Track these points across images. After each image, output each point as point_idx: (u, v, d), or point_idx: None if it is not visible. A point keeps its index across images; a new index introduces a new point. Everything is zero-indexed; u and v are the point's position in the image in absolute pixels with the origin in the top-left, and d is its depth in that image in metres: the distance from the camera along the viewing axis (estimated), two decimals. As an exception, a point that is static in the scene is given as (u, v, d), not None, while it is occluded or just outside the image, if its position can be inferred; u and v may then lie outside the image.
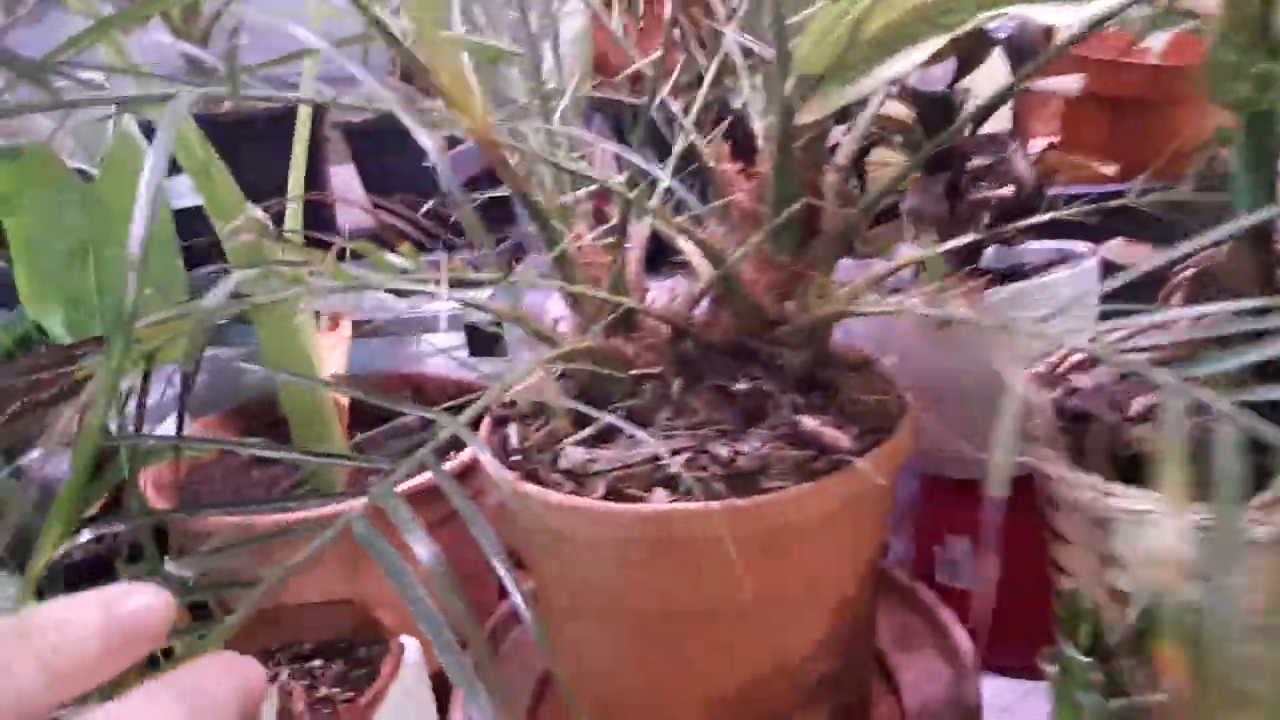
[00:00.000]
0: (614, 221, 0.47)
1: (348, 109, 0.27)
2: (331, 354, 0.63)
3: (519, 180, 0.46)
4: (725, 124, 0.53)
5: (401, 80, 0.88)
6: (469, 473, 0.63)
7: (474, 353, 0.72)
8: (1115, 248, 0.62)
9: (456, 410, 0.73)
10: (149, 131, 0.53)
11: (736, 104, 0.74)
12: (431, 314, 0.74)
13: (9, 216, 0.45)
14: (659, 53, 0.48)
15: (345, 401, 0.63)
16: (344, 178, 1.19)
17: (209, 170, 0.51)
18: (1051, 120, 0.77)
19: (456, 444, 0.70)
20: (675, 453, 0.45)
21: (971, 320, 0.44)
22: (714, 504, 0.43)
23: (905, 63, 0.43)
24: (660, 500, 0.44)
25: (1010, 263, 0.71)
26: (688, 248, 0.52)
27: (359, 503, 0.28)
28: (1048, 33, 0.60)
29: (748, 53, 0.59)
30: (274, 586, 0.30)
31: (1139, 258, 0.63)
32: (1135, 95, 0.72)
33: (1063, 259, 0.69)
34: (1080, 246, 0.69)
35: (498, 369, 0.67)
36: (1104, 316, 0.69)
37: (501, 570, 0.31)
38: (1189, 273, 0.63)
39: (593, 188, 0.47)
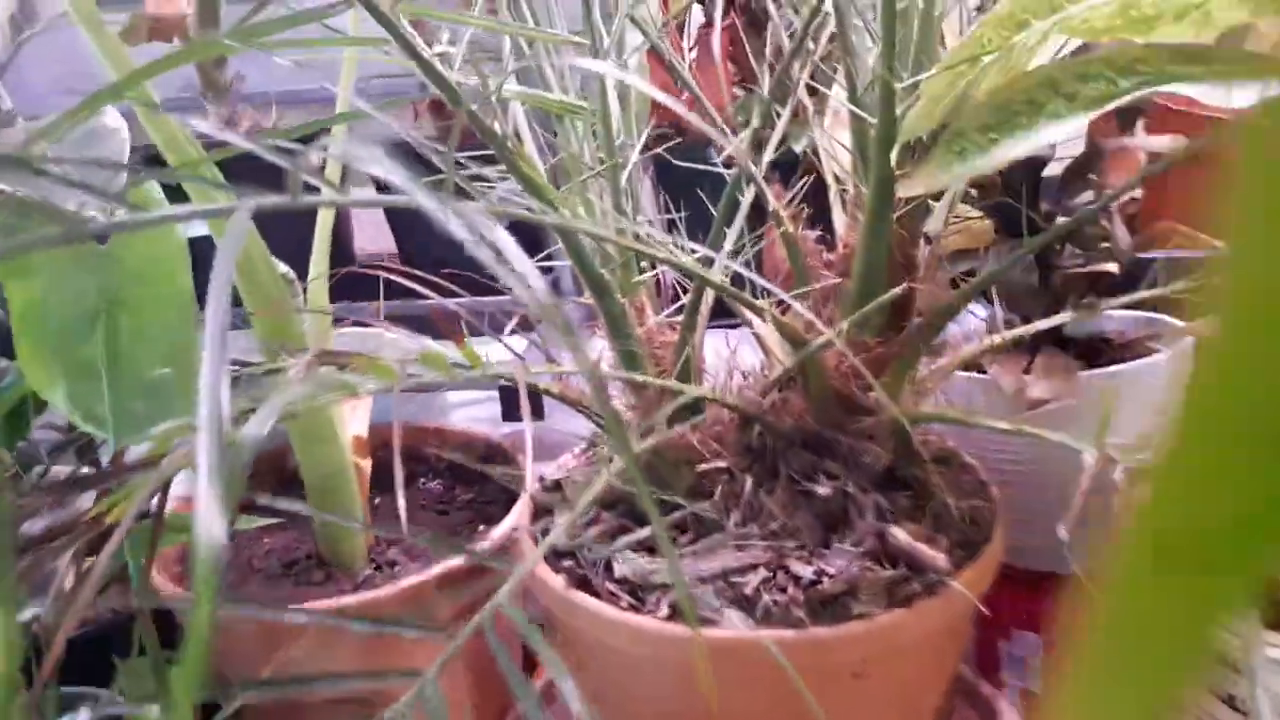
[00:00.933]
0: (685, 300, 0.42)
1: (398, 200, 0.22)
2: (354, 414, 0.58)
3: (581, 254, 0.40)
4: (803, 185, 0.48)
5: (432, 111, 0.82)
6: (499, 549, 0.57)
7: (507, 416, 0.67)
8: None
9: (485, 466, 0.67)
10: (166, 185, 0.47)
11: (797, 148, 0.68)
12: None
13: (16, 280, 0.40)
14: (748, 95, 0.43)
15: (367, 466, 0.58)
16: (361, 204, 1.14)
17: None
18: (1132, 174, 0.71)
19: (484, 513, 0.65)
20: (751, 568, 0.40)
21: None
22: (799, 634, 0.38)
23: (1032, 142, 0.38)
24: (734, 624, 0.39)
25: (1089, 330, 0.66)
26: (761, 326, 0.46)
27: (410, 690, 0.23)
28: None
29: (813, 92, 0.54)
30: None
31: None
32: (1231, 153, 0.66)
33: (1149, 330, 0.63)
34: (1166, 317, 0.64)
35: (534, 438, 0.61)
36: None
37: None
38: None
39: (663, 269, 0.42)
